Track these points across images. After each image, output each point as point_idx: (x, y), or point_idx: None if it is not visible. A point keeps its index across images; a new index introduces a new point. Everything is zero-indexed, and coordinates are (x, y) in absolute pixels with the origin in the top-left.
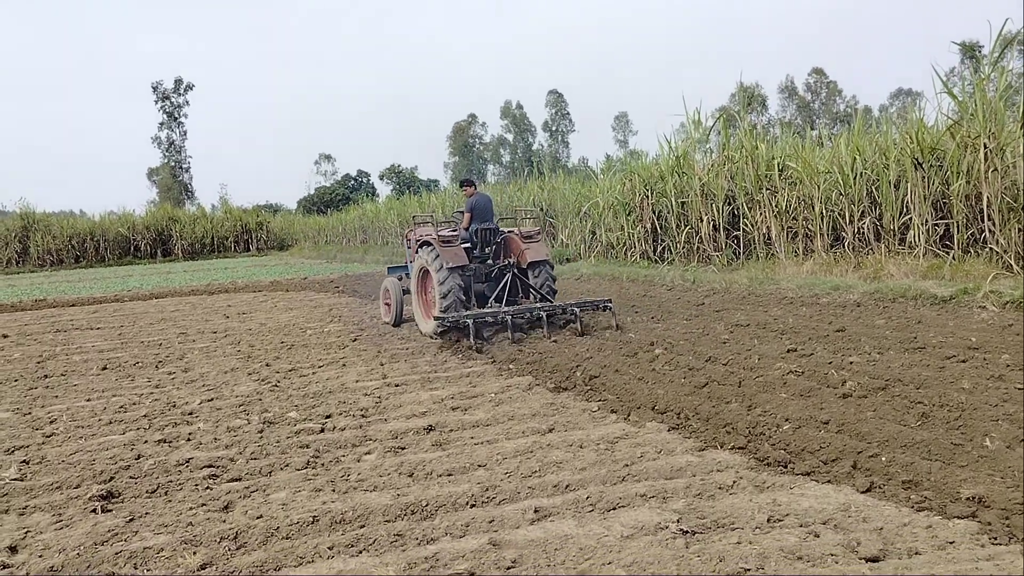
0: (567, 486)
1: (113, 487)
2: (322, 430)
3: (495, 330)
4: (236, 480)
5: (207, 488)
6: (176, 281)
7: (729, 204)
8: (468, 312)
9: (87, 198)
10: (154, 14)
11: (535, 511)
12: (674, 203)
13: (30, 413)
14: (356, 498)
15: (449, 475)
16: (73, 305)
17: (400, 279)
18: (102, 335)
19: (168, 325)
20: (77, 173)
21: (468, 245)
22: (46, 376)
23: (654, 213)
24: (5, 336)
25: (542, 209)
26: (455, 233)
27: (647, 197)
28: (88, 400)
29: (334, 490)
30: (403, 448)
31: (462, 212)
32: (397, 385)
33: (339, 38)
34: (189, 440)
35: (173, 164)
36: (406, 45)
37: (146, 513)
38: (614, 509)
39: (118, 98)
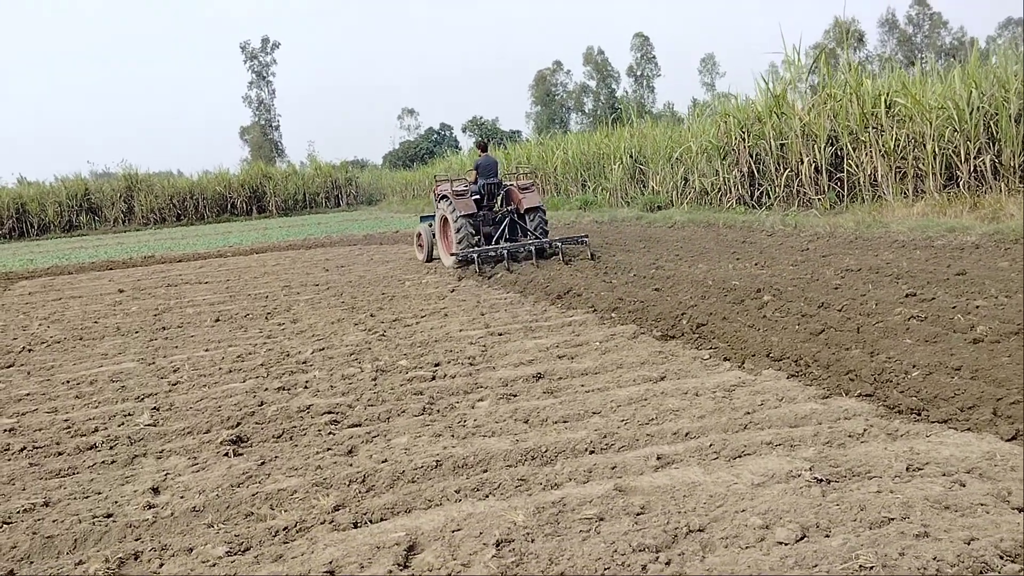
0: (687, 433)
1: (241, 432)
2: (433, 378)
3: (495, 261)
4: (356, 426)
5: (330, 433)
6: (273, 236)
7: (831, 145)
8: (475, 248)
9: (183, 159)
10: None
11: (657, 458)
12: (773, 145)
13: (154, 363)
14: (476, 443)
15: (565, 422)
16: (180, 261)
17: (430, 226)
18: (211, 289)
19: (271, 279)
20: (173, 135)
21: (478, 197)
22: (164, 328)
23: (751, 156)
24: (121, 291)
25: (631, 156)
26: (467, 188)
27: (743, 140)
28: (206, 350)
29: (453, 436)
30: (515, 395)
31: (473, 170)
32: (500, 334)
33: None
34: (306, 388)
35: (263, 123)
36: None
37: (275, 457)
38: (740, 457)
39: (209, 59)
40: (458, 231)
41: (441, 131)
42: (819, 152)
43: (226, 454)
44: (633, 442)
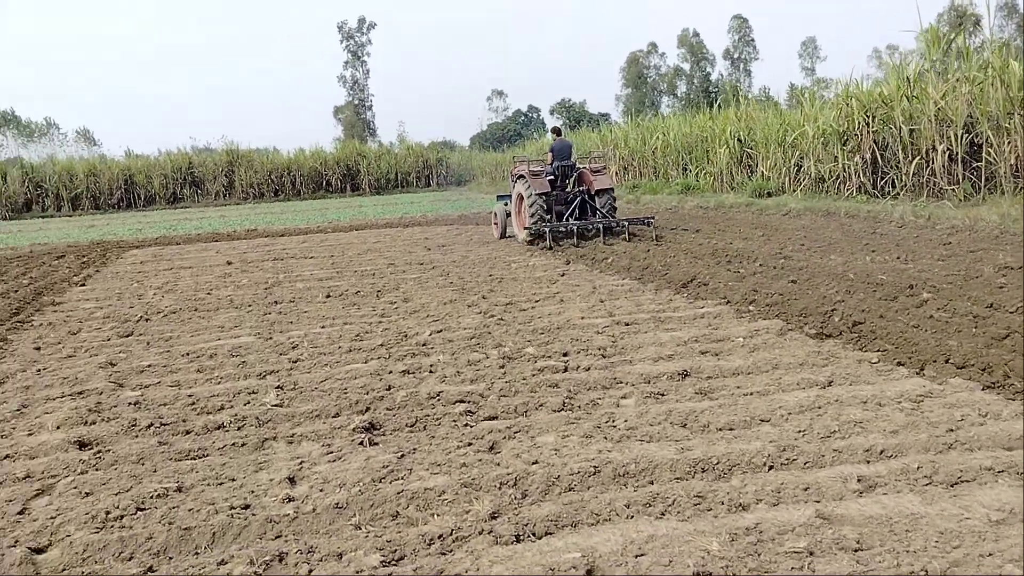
0: (882, 451)
1: (373, 419)
2: (565, 369)
3: (564, 236)
4: (493, 418)
5: (466, 425)
6: (369, 214)
7: (968, 131)
8: (547, 224)
9: (279, 136)
10: None
11: (858, 480)
12: (902, 131)
13: (271, 338)
14: (634, 448)
15: (730, 429)
16: (282, 235)
17: (506, 205)
18: (317, 264)
19: (375, 256)
20: (269, 112)
21: (552, 177)
22: (276, 303)
23: (875, 143)
24: (229, 263)
25: (739, 139)
26: (542, 169)
27: (867, 125)
28: (322, 327)
29: (605, 437)
30: (662, 394)
31: (548, 152)
32: (627, 324)
33: None
34: (432, 372)
35: (357, 102)
36: None
37: (413, 449)
38: (958, 484)
39: (305, 39)
40: (531, 207)
41: (529, 113)
42: (955, 139)
43: (361, 443)
44: (818, 458)
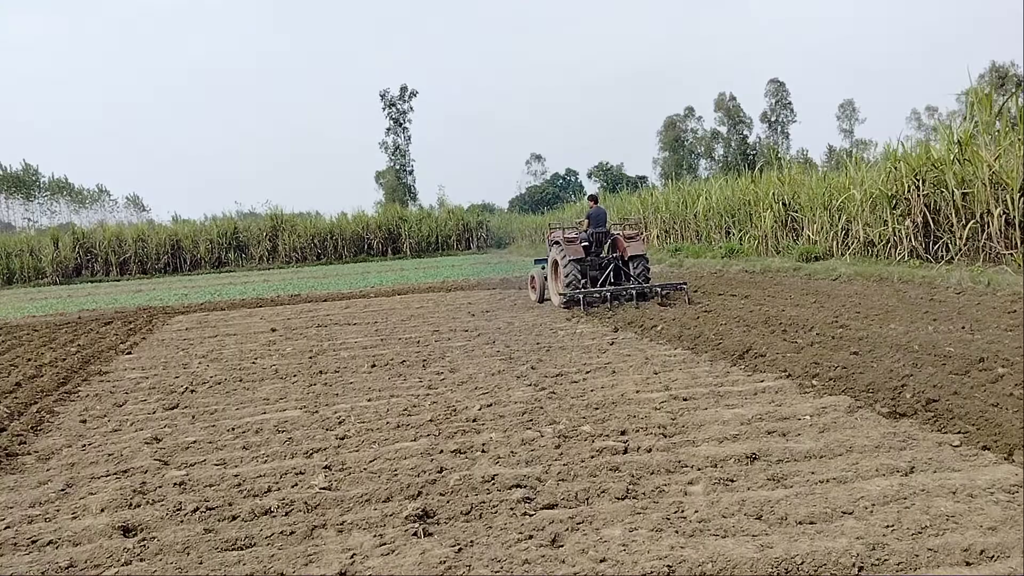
0: (982, 551)
1: (426, 505)
2: (625, 450)
3: (600, 302)
4: (552, 507)
5: (525, 514)
6: (410, 278)
7: None
8: (581, 290)
9: (321, 200)
10: (378, 28)
11: None
12: (955, 194)
13: (317, 412)
14: (708, 545)
15: (810, 522)
16: (325, 300)
17: (543, 268)
18: (360, 331)
19: (419, 322)
20: (312, 177)
21: (586, 243)
22: (321, 372)
23: (926, 206)
24: (273, 330)
25: (784, 204)
26: (577, 235)
27: (917, 188)
28: (369, 400)
29: (676, 531)
30: (732, 480)
31: (585, 219)
32: (685, 399)
33: (545, 37)
34: (484, 452)
35: (398, 167)
36: (612, 41)
37: (471, 542)
38: None
39: (348, 106)
40: (566, 274)
41: (567, 176)
42: (1011, 202)
43: (415, 533)
44: (912, 558)
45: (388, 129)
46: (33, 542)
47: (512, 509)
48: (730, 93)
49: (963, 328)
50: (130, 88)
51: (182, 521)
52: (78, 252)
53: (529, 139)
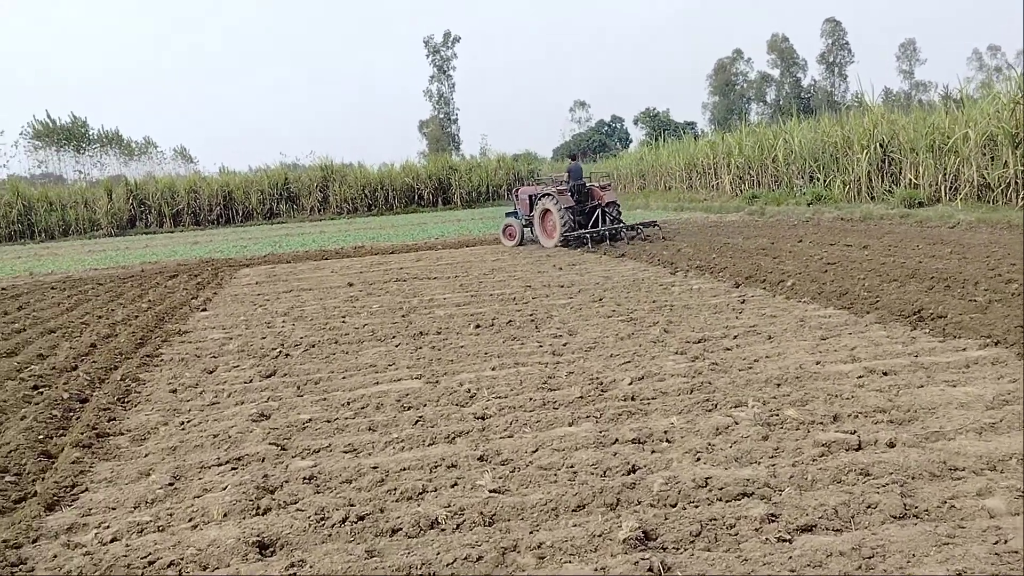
0: None
1: (642, 523)
2: (859, 445)
3: (597, 241)
4: (810, 529)
5: (780, 540)
6: (469, 228)
7: None
8: (584, 231)
9: (364, 151)
10: None
11: None
12: None
13: (439, 383)
14: None
15: None
16: (392, 252)
17: (517, 217)
18: (444, 286)
19: (504, 276)
20: (355, 128)
21: (572, 194)
22: (422, 333)
23: None
24: (351, 284)
25: (881, 145)
26: (564, 187)
27: None
28: (493, 369)
29: (1013, 569)
30: None
31: (564, 174)
32: (885, 373)
33: None
34: (670, 443)
35: (442, 116)
36: None
37: None
38: None
39: (393, 54)
40: (563, 219)
41: (612, 123)
42: None
43: (650, 568)
44: None
45: (432, 77)
46: (150, 563)
47: (757, 531)
48: (783, 34)
49: None
50: (172, 37)
51: (331, 536)
52: (131, 204)
53: (572, 86)
